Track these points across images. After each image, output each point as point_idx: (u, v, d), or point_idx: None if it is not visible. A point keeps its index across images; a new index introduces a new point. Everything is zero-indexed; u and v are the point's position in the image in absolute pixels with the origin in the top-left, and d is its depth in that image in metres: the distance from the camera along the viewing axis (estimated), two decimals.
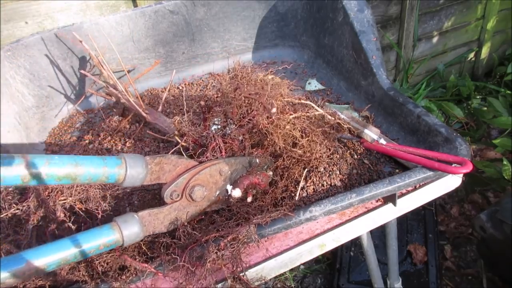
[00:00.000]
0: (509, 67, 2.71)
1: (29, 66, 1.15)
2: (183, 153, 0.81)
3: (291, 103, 0.91)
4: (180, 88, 1.32)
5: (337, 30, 1.23)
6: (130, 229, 0.67)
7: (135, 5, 1.62)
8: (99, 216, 0.72)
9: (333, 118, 0.94)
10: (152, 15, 1.27)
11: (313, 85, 1.27)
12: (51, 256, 0.59)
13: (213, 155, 0.78)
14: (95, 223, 0.75)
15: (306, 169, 0.87)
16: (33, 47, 1.15)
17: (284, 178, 0.86)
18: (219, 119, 0.83)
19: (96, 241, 0.63)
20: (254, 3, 1.37)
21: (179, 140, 0.83)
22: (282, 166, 0.88)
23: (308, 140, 0.86)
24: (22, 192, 0.85)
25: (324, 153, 0.89)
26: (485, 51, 2.88)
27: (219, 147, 0.78)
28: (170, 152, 0.81)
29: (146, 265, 0.69)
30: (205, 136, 0.80)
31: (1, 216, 0.73)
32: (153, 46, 1.31)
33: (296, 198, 0.83)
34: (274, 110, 0.84)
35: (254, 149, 0.86)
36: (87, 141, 1.07)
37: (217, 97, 0.94)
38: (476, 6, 2.64)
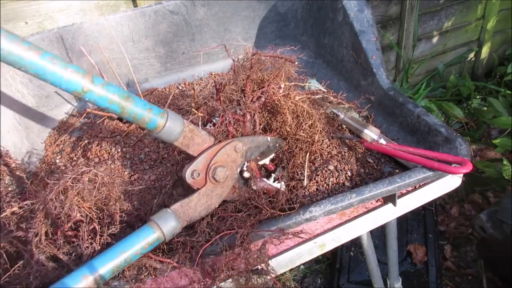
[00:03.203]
0: (509, 67, 2.70)
1: None
2: (200, 124, 0.84)
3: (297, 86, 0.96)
4: (180, 88, 1.32)
5: (337, 30, 1.23)
6: (168, 224, 0.70)
7: (135, 5, 1.62)
8: (117, 215, 0.73)
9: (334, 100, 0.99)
10: (152, 15, 1.27)
11: (313, 85, 1.27)
12: (105, 267, 0.64)
13: (222, 131, 0.80)
14: (110, 221, 0.75)
15: (308, 154, 0.88)
16: None
17: (290, 165, 0.88)
18: (217, 119, 0.84)
19: (140, 243, 0.67)
20: (254, 3, 1.37)
21: (196, 112, 0.86)
22: (289, 151, 0.90)
23: (311, 124, 0.88)
24: (22, 192, 0.85)
25: (325, 140, 0.91)
26: (485, 51, 2.88)
27: (228, 121, 0.80)
28: (189, 119, 0.84)
29: (168, 260, 0.72)
30: (218, 110, 0.82)
31: (1, 216, 0.73)
32: (153, 46, 1.31)
33: (305, 183, 0.86)
34: (283, 86, 0.88)
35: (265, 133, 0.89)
36: (86, 141, 1.07)
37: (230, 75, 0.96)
38: (476, 6, 2.64)
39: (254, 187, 0.81)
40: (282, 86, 0.88)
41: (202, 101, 0.87)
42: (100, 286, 0.64)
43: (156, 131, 0.69)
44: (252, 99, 0.85)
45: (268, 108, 0.90)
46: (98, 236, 0.70)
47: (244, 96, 0.84)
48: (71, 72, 0.60)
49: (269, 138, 0.84)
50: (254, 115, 0.85)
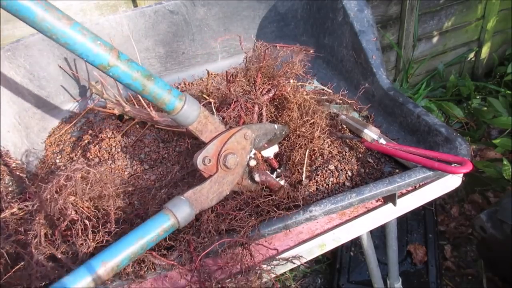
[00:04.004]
0: (509, 67, 2.70)
1: (29, 66, 1.15)
2: (213, 110, 0.86)
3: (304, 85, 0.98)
4: (180, 88, 1.32)
5: (337, 30, 1.24)
6: (183, 210, 0.70)
7: (135, 5, 1.62)
8: (113, 213, 0.73)
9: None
10: (152, 15, 1.27)
11: (313, 85, 1.27)
12: (122, 254, 0.64)
13: (233, 117, 0.82)
14: (106, 220, 0.75)
15: (308, 150, 0.90)
16: (33, 47, 1.15)
17: (291, 160, 0.89)
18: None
19: (156, 229, 0.67)
20: (254, 3, 1.37)
21: (207, 98, 0.87)
22: (290, 147, 0.91)
23: (314, 121, 0.89)
24: (22, 192, 0.85)
25: (326, 140, 0.93)
26: (485, 51, 2.88)
27: (240, 106, 0.82)
28: (202, 104, 0.86)
29: (171, 262, 0.72)
30: (229, 96, 0.84)
31: (1, 216, 0.73)
32: (153, 46, 1.31)
33: (303, 182, 0.87)
34: (292, 81, 0.90)
35: None
36: (86, 141, 1.07)
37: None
38: (476, 6, 2.64)
39: (258, 179, 0.81)
40: (292, 81, 0.89)
41: (212, 89, 0.89)
42: (118, 272, 0.65)
43: (173, 113, 0.70)
44: (262, 92, 0.86)
45: (276, 104, 0.92)
46: (93, 234, 0.70)
47: (255, 88, 0.85)
48: (99, 45, 0.61)
49: (276, 126, 0.85)
50: (262, 108, 0.86)
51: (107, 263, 0.63)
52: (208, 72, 1.10)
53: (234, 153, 0.76)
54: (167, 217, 0.69)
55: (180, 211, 0.70)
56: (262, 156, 0.88)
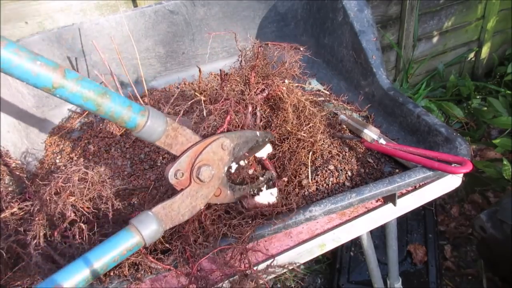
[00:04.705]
0: (509, 67, 2.70)
1: None
2: (204, 108, 0.82)
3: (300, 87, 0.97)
4: (180, 88, 1.32)
5: (337, 30, 1.23)
6: (148, 227, 0.65)
7: (135, 5, 1.62)
8: (110, 215, 0.72)
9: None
10: (152, 15, 1.27)
11: (313, 85, 1.27)
12: (78, 275, 0.59)
13: (220, 111, 0.78)
14: (105, 221, 0.75)
15: (311, 152, 0.89)
16: (33, 47, 1.15)
17: (292, 163, 0.88)
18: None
19: (118, 248, 0.62)
20: (254, 3, 1.37)
21: (199, 95, 0.85)
22: (290, 150, 0.89)
23: (313, 124, 0.89)
24: (22, 192, 0.85)
25: (326, 140, 0.92)
26: (485, 51, 2.88)
27: (230, 104, 0.79)
28: (190, 103, 0.83)
29: (167, 266, 0.71)
30: (221, 95, 0.81)
31: (1, 216, 0.73)
32: (153, 46, 1.31)
33: (310, 181, 0.85)
34: (287, 81, 0.88)
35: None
36: (86, 141, 1.07)
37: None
38: (476, 6, 2.64)
39: (246, 206, 0.79)
40: (286, 81, 0.88)
41: (205, 87, 0.87)
42: None
43: (136, 130, 0.65)
44: (255, 91, 0.85)
45: (270, 104, 0.91)
46: (90, 236, 0.70)
47: (248, 88, 0.85)
48: (40, 66, 0.54)
49: (258, 133, 0.79)
50: (256, 108, 0.84)
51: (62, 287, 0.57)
52: (199, 70, 1.08)
53: (209, 164, 0.71)
54: (131, 234, 0.63)
55: (146, 228, 0.65)
56: (255, 157, 0.86)
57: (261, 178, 0.83)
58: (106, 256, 0.61)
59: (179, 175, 0.70)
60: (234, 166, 0.79)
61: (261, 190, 0.82)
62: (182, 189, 0.71)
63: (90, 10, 1.55)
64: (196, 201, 0.72)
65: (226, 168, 0.75)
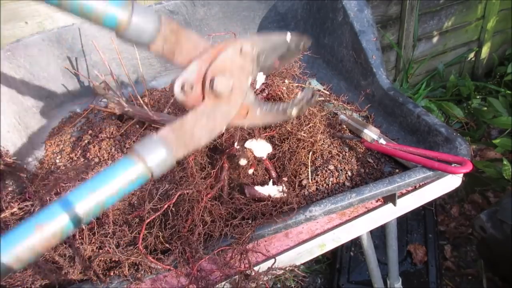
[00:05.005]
0: (509, 67, 2.70)
1: (29, 66, 1.15)
2: None
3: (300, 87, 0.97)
4: None
5: (337, 30, 1.23)
6: (153, 153, 0.50)
7: None
8: (110, 215, 0.72)
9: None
10: None
11: (313, 85, 1.27)
12: (71, 211, 0.45)
13: None
14: (105, 221, 0.75)
15: (311, 152, 0.88)
16: (33, 47, 1.15)
17: (292, 163, 0.88)
18: None
19: (117, 179, 0.47)
20: (254, 3, 1.37)
21: None
22: (290, 150, 0.89)
23: (312, 125, 0.89)
24: (22, 192, 0.85)
25: (326, 140, 0.92)
26: (485, 51, 2.87)
27: None
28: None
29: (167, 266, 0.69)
30: None
31: (1, 216, 0.73)
32: None
33: (310, 181, 0.85)
34: (287, 81, 0.87)
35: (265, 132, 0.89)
36: (86, 141, 1.07)
37: None
38: (476, 6, 2.64)
39: (247, 194, 0.79)
40: (286, 81, 0.88)
41: None
42: (61, 239, 0.45)
43: (120, 31, 0.53)
44: (255, 92, 0.84)
45: (275, 95, 0.90)
46: (89, 237, 0.70)
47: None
48: None
49: (288, 36, 0.61)
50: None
51: (43, 227, 0.44)
52: None
53: (226, 74, 0.55)
54: (131, 161, 0.48)
55: (151, 153, 0.49)
56: (255, 157, 0.84)
57: (298, 97, 0.62)
58: (103, 187, 0.47)
59: (188, 87, 0.55)
60: (262, 78, 0.66)
61: (302, 109, 0.62)
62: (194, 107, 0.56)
63: None
64: (215, 121, 0.56)
65: (250, 79, 0.58)
